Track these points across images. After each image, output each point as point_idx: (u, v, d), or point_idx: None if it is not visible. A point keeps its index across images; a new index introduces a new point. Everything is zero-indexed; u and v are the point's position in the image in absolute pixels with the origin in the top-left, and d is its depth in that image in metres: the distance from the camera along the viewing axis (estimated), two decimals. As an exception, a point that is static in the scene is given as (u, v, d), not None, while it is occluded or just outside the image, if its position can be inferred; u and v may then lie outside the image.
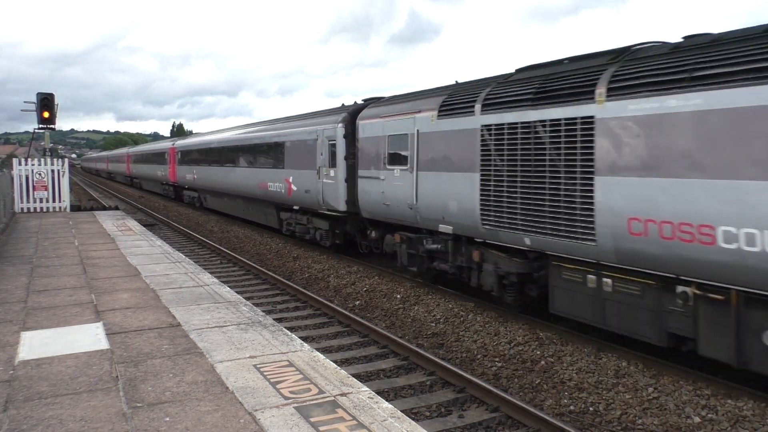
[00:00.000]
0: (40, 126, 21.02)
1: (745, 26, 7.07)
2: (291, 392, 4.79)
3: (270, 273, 14.50)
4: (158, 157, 39.07)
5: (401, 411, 4.61)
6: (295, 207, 17.94)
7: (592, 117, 7.97)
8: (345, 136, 14.94)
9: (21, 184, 20.59)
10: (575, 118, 8.22)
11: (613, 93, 7.75)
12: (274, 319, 7.35)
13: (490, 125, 9.80)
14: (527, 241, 9.13)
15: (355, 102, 16.42)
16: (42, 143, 24.43)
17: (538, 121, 8.81)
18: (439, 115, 11.19)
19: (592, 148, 7.97)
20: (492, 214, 9.75)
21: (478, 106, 10.14)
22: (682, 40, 7.82)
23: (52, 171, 21.04)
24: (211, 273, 12.14)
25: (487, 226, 9.89)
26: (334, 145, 15.26)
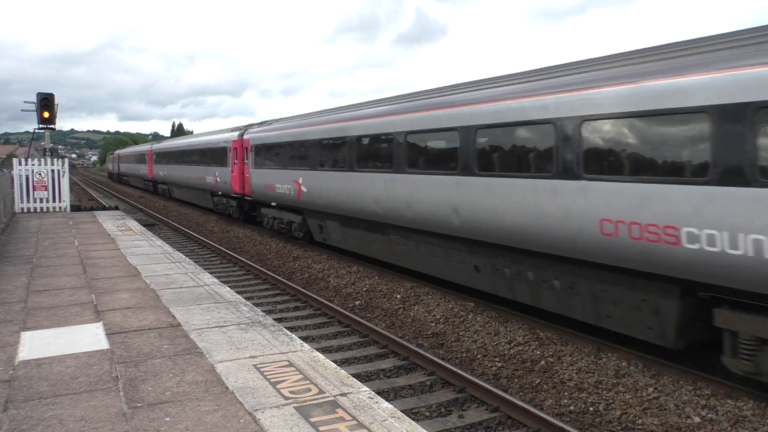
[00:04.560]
0: (40, 126, 21.04)
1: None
2: (291, 392, 4.79)
3: (270, 273, 14.50)
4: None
5: (401, 411, 4.61)
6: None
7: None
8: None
9: (21, 184, 20.59)
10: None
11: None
12: (274, 319, 7.35)
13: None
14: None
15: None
16: (42, 143, 24.44)
17: None
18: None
19: None
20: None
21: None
22: None
23: (52, 171, 21.05)
24: (211, 273, 12.14)
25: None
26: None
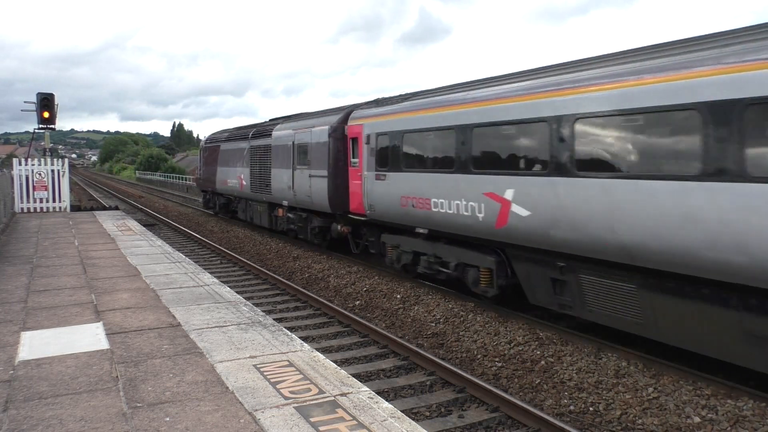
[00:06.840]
0: (40, 126, 21.04)
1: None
2: (291, 392, 4.80)
3: (270, 273, 14.50)
4: None
5: (401, 411, 4.61)
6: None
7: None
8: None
9: (21, 184, 20.59)
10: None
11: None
12: (274, 319, 7.35)
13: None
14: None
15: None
16: (42, 143, 24.44)
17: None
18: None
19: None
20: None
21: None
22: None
23: (52, 171, 21.05)
24: (211, 273, 12.15)
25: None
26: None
